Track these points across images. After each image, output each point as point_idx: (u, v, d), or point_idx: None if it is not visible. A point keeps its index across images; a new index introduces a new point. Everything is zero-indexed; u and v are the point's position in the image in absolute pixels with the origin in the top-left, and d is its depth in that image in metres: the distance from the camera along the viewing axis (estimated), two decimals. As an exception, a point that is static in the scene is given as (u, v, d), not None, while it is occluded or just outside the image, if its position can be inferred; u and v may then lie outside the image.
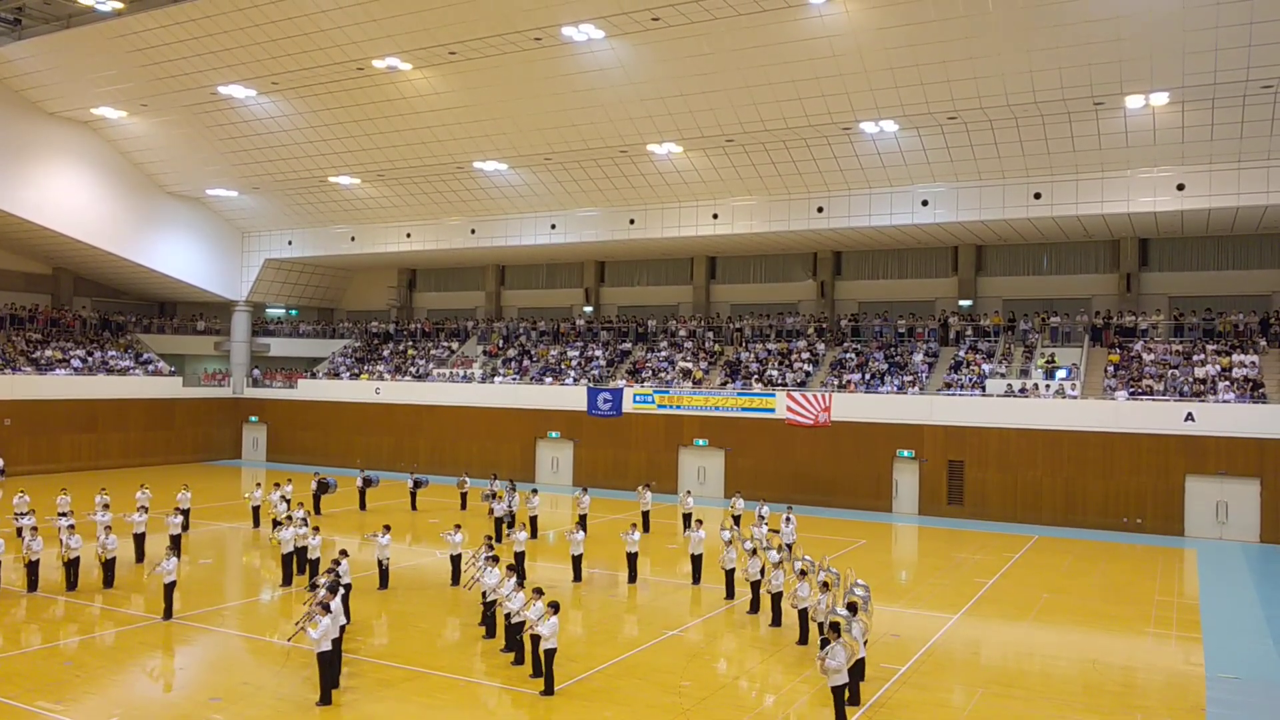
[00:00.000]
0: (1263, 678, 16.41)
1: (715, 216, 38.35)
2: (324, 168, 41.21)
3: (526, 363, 45.07)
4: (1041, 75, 27.85)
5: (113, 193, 43.45)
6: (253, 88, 35.59)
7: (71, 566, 20.89)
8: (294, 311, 54.98)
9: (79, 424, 42.77)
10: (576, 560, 22.62)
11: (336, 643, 14.72)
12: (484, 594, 17.91)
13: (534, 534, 28.23)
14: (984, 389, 34.46)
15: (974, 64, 27.98)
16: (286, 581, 21.76)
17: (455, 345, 48.94)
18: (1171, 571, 25.35)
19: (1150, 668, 16.99)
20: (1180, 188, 30.85)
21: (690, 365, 40.93)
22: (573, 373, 42.98)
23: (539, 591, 15.78)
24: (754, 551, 20.71)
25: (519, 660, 16.00)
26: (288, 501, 28.17)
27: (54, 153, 40.76)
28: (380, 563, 21.44)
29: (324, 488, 32.47)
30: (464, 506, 33.21)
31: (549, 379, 43.00)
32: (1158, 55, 26.34)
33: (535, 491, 29.72)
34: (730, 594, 21.13)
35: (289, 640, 15.66)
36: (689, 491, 30.95)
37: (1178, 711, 14.54)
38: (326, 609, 14.57)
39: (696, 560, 22.64)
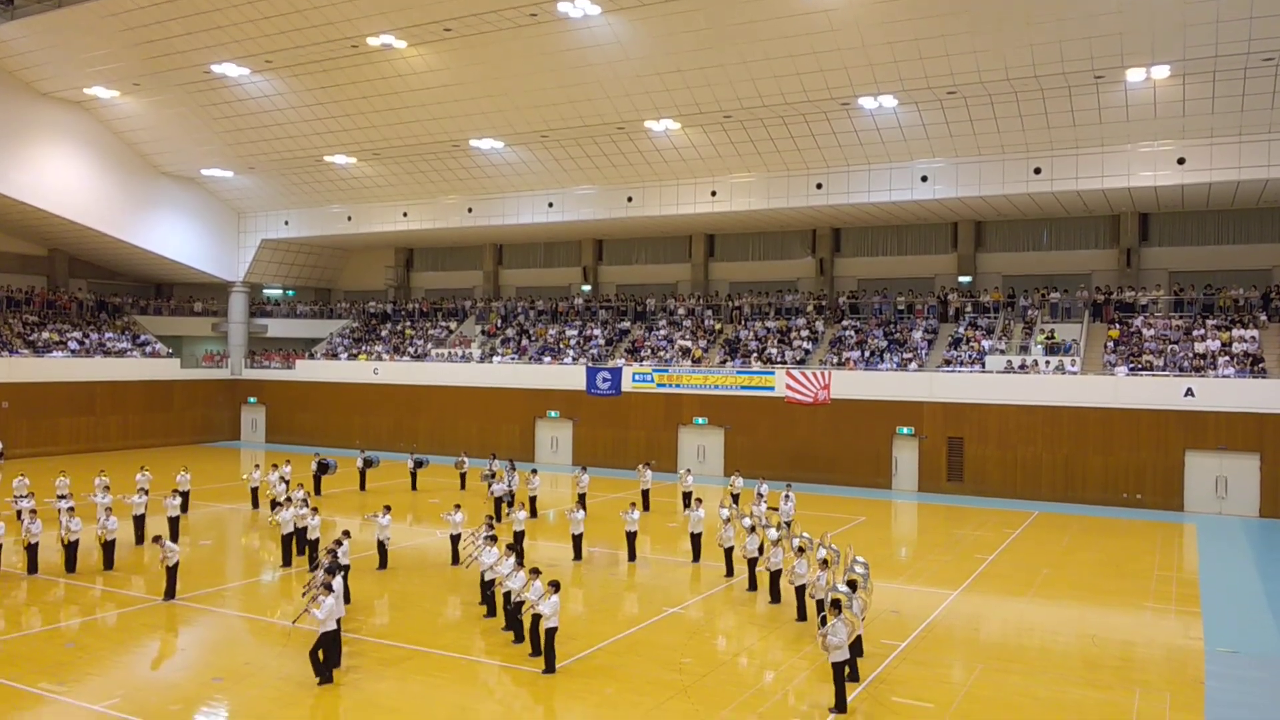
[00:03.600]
0: (1262, 651, 16.47)
1: (714, 194, 38.17)
2: (319, 147, 40.95)
3: (525, 342, 44.99)
4: (1041, 49, 27.62)
5: (107, 173, 43.20)
6: (246, 66, 35.27)
7: (71, 549, 20.90)
8: (291, 292, 54.82)
9: (77, 406, 42.73)
10: (577, 539, 22.65)
11: (338, 623, 14.72)
12: (483, 573, 17.93)
13: (534, 513, 28.27)
14: (983, 365, 34.42)
15: (973, 38, 27.74)
16: (286, 562, 21.78)
17: (453, 325, 48.84)
18: (1171, 546, 25.41)
19: (1149, 642, 17.04)
20: (1181, 162, 30.68)
21: (689, 344, 40.86)
22: (571, 352, 42.92)
23: (537, 571, 15.79)
24: (753, 529, 20.74)
25: (519, 639, 16.02)
26: (287, 483, 28.17)
27: (47, 133, 40.48)
28: (380, 543, 21.44)
29: (324, 468, 32.49)
30: (463, 486, 33.24)
31: (547, 358, 42.95)
32: (1159, 27, 26.11)
33: (535, 471, 29.73)
34: (729, 572, 21.17)
35: (293, 622, 15.66)
36: (688, 470, 30.97)
37: (1177, 685, 14.58)
38: (330, 589, 14.58)
39: (696, 538, 22.67)
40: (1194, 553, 24.64)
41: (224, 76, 36.28)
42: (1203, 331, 33.09)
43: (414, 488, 33.47)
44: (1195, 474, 30.66)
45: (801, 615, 17.66)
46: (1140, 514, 30.01)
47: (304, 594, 15.45)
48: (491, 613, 17.64)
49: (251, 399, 49.56)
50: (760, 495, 25.76)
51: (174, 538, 22.84)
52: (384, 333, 49.91)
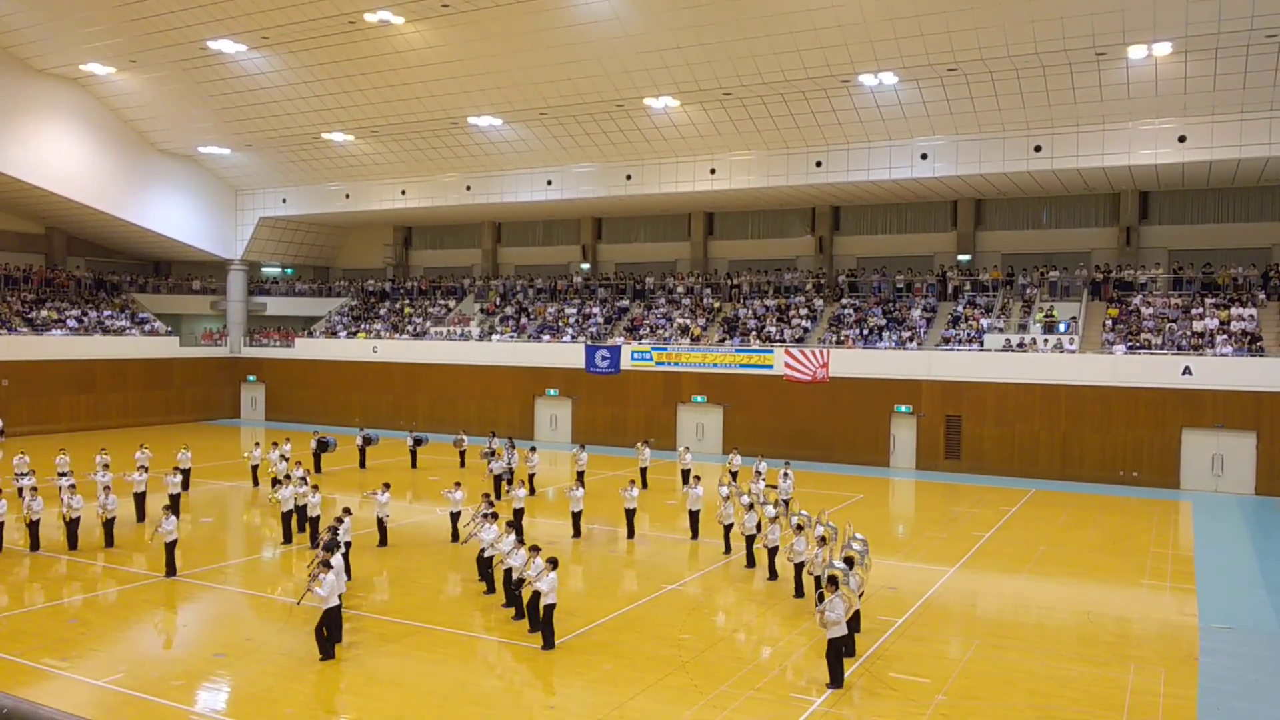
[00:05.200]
0: (1256, 628, 16.59)
1: (713, 171, 38.03)
2: (317, 124, 40.74)
3: (524, 320, 44.97)
4: (1043, 25, 27.45)
5: (104, 150, 43.00)
6: (243, 43, 35.01)
7: (72, 526, 20.99)
8: (290, 270, 54.70)
9: (77, 384, 42.75)
10: (576, 517, 22.76)
11: (340, 599, 14.81)
12: (481, 550, 18.03)
13: (533, 491, 28.37)
14: (982, 344, 34.44)
15: (975, 14, 27.55)
16: (287, 540, 21.88)
17: (452, 303, 48.78)
18: (1167, 523, 25.53)
19: (1145, 618, 17.15)
20: (1182, 139, 30.57)
21: (688, 322, 40.85)
22: (570, 330, 42.91)
23: (537, 548, 15.88)
24: (750, 506, 20.83)
25: (519, 615, 16.13)
26: (287, 460, 28.25)
27: (44, 110, 40.25)
28: (380, 520, 21.54)
29: (323, 446, 32.57)
30: (463, 464, 33.32)
31: (547, 336, 42.94)
32: (1161, 4, 25.94)
33: (534, 449, 29.80)
34: (728, 549, 21.28)
35: (299, 601, 15.75)
36: (687, 448, 31.06)
37: (1171, 661, 14.70)
38: (329, 566, 14.66)
39: (694, 516, 22.77)
40: (1190, 530, 24.76)
41: (220, 53, 36.02)
42: (1201, 310, 33.10)
43: (414, 465, 33.57)
44: (1192, 452, 30.76)
45: (799, 592, 17.77)
46: (1137, 492, 30.13)
47: (308, 570, 15.53)
48: (491, 589, 17.74)
49: (251, 377, 49.58)
50: (759, 473, 25.86)
51: (175, 515, 22.92)
52: (383, 311, 49.88)
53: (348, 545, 17.92)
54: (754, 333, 38.94)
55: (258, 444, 30.91)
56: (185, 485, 26.98)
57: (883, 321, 37.56)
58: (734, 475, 27.77)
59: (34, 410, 41.09)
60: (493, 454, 28.96)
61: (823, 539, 16.92)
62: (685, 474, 28.67)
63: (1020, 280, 37.72)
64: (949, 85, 31.12)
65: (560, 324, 43.65)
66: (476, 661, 14.65)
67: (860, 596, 15.23)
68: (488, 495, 20.84)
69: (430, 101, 37.26)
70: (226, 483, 30.21)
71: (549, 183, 41.68)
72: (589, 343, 41.04)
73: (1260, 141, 29.51)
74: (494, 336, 44.08)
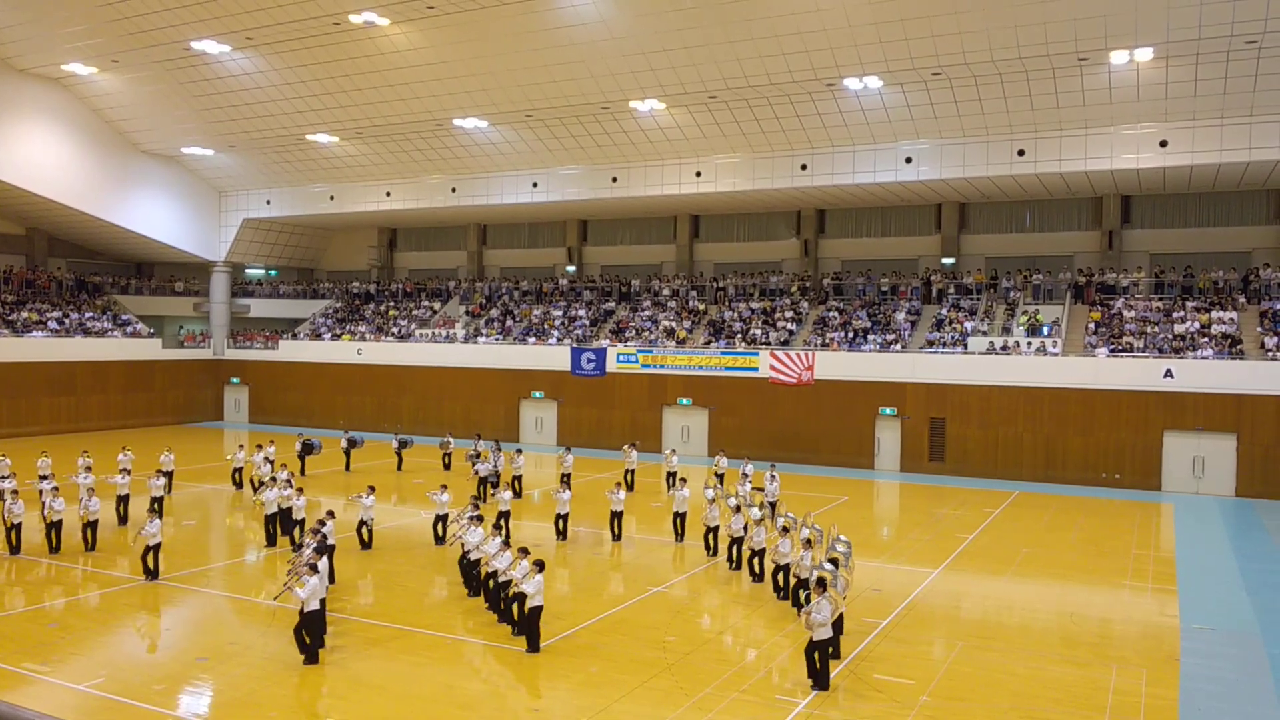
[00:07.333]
0: (1237, 629, 16.73)
1: (698, 174, 38.09)
2: (301, 125, 40.58)
3: (509, 323, 44.91)
4: (1026, 30, 27.64)
5: (86, 151, 42.68)
6: (227, 43, 34.84)
7: (54, 529, 20.81)
8: (274, 272, 54.43)
9: (58, 387, 42.40)
10: (561, 519, 22.73)
11: (322, 603, 14.74)
12: (465, 552, 17.97)
13: (519, 494, 28.32)
14: (966, 346, 34.63)
15: (959, 18, 27.72)
16: (270, 542, 21.77)
17: (437, 305, 48.66)
18: (1149, 525, 25.72)
19: (1127, 620, 17.27)
20: (1163, 144, 30.84)
21: (674, 325, 40.89)
22: (556, 332, 42.87)
23: (524, 551, 15.85)
24: (737, 509, 20.86)
25: (504, 619, 16.09)
26: (271, 463, 28.11)
27: (25, 110, 39.93)
28: (363, 523, 21.44)
29: (308, 449, 32.43)
30: (448, 467, 33.24)
31: (532, 339, 42.90)
32: (1143, 9, 26.17)
33: (520, 451, 29.76)
34: (713, 551, 21.30)
35: (275, 599, 15.67)
36: (673, 450, 31.08)
37: (1153, 662, 14.81)
38: (314, 569, 14.59)
39: (680, 518, 22.78)
40: (1171, 532, 24.95)
41: (204, 53, 35.82)
42: (1182, 313, 33.39)
43: (399, 468, 33.46)
44: (1173, 454, 31.01)
45: (783, 594, 17.80)
46: (1119, 494, 30.34)
47: (289, 572, 15.46)
48: (474, 593, 17.69)
49: (234, 379, 49.30)
50: (745, 475, 25.88)
51: (160, 517, 22.77)
52: (367, 313, 49.70)
53: (331, 548, 17.85)
54: (739, 335, 39.01)
55: (241, 446, 30.74)
56: (168, 488, 26.80)
57: (867, 324, 37.71)
58: (720, 478, 27.80)
59: (14, 412, 40.73)
60: (478, 456, 28.89)
61: (808, 541, 16.96)
62: (671, 476, 28.68)
63: (1004, 283, 37.95)
64: (933, 89, 31.29)
65: (546, 326, 43.61)
66: (461, 664, 14.61)
67: (844, 598, 15.27)
68: (474, 498, 20.80)
69: (415, 103, 37.18)
70: (210, 485, 30.02)
71: (534, 185, 41.65)
72: (574, 345, 41.02)
73: (1240, 146, 29.81)
74: (479, 339, 44.00)
